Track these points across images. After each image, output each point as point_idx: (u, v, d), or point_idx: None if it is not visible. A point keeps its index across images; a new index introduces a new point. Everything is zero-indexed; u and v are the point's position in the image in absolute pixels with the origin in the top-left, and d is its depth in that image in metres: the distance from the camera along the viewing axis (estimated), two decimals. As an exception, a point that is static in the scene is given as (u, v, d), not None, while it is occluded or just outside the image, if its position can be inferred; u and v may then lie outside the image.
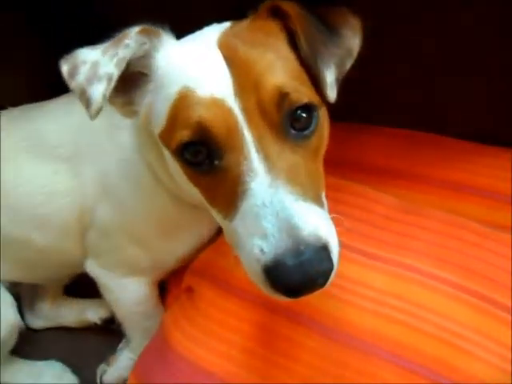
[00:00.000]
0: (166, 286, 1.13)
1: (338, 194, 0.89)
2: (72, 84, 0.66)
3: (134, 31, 0.66)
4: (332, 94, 0.67)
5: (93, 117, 0.65)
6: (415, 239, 0.84)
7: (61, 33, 1.12)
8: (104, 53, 0.65)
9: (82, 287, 1.20)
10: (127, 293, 1.05)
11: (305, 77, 0.66)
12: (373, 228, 0.84)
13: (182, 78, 0.65)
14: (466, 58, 0.91)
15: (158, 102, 0.69)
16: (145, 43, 0.68)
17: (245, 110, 0.61)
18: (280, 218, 0.57)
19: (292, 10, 0.67)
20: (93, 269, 1.04)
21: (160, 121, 0.68)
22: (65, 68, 0.66)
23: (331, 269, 0.59)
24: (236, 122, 0.61)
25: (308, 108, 0.64)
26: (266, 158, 0.60)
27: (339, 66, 0.68)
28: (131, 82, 0.70)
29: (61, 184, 0.96)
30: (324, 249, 0.57)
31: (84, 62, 0.66)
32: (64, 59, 0.67)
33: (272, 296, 0.60)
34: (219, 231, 0.96)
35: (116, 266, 1.02)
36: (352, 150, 1.05)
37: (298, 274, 0.55)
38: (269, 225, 0.57)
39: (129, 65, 0.67)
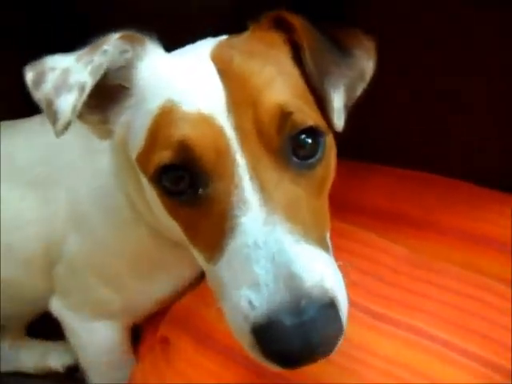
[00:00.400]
0: (140, 333, 0.99)
1: (342, 240, 0.78)
2: (37, 94, 0.56)
3: (114, 37, 0.57)
4: (339, 121, 0.58)
5: (58, 133, 0.55)
6: (427, 298, 0.73)
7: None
8: (78, 60, 0.56)
9: (47, 327, 1.06)
10: (95, 338, 0.92)
11: (310, 97, 0.58)
12: (380, 283, 0.74)
13: (167, 91, 0.56)
14: (473, 95, 0.85)
15: (136, 120, 0.59)
16: (126, 51, 0.59)
17: (239, 130, 0.52)
18: (276, 264, 0.46)
19: (298, 22, 0.59)
20: (58, 308, 0.92)
21: (138, 141, 0.58)
22: (29, 75, 0.57)
23: (339, 332, 0.48)
24: (227, 144, 0.52)
25: (313, 132, 0.55)
26: (262, 187, 0.50)
27: (349, 91, 0.60)
28: (108, 96, 0.61)
29: (28, 211, 0.85)
30: (331, 305, 0.47)
31: (52, 69, 0.56)
32: (29, 66, 0.57)
33: (262, 363, 0.48)
34: (204, 273, 0.84)
35: (84, 307, 0.90)
36: (354, 190, 0.95)
37: (298, 339, 0.44)
38: (262, 271, 0.46)
39: (106, 75, 0.58)
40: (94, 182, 0.80)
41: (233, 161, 0.51)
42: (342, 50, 0.60)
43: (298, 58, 0.59)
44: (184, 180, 0.54)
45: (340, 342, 0.48)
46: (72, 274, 0.86)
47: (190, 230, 0.58)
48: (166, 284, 0.86)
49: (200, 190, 0.53)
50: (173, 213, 0.59)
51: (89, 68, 0.55)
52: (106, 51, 0.56)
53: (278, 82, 0.55)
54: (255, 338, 0.46)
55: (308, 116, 0.54)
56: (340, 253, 0.66)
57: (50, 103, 0.55)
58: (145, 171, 0.59)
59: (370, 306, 0.70)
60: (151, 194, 0.61)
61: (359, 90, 0.61)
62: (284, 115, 0.52)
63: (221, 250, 0.51)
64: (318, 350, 0.46)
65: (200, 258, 0.58)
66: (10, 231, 0.85)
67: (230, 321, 0.50)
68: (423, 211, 0.89)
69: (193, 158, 0.52)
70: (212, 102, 0.54)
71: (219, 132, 0.52)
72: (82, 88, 0.54)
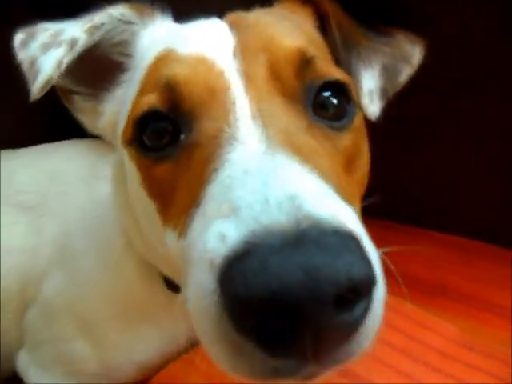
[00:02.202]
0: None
1: (394, 314, 0.64)
2: (21, 54, 0.50)
3: (123, 5, 0.52)
4: (371, 105, 0.49)
5: (35, 92, 0.48)
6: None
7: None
8: (76, 21, 0.51)
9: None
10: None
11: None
12: (425, 369, 0.57)
13: (166, 41, 0.49)
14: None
15: (131, 87, 0.52)
16: (132, 23, 0.53)
17: (245, 73, 0.43)
18: (270, 185, 0.32)
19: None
20: (25, 364, 0.78)
21: (126, 112, 0.50)
22: (19, 36, 0.51)
23: (370, 272, 0.30)
24: (225, 85, 0.43)
25: (340, 91, 0.45)
26: (265, 125, 0.39)
27: (390, 72, 0.52)
28: (103, 77, 0.55)
29: (16, 238, 0.77)
30: (350, 236, 0.31)
31: (45, 29, 0.50)
32: (21, 29, 0.52)
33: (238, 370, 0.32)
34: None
35: (54, 364, 0.75)
36: (392, 255, 0.81)
37: (296, 268, 0.27)
38: (246, 192, 0.32)
39: (106, 51, 0.53)
40: (88, 212, 0.72)
41: (230, 102, 0.42)
42: (379, 32, 0.53)
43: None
44: (167, 133, 0.44)
45: (379, 299, 0.32)
46: (46, 320, 0.73)
47: (165, 199, 0.45)
48: (153, 342, 0.71)
49: (182, 137, 0.43)
50: (149, 180, 0.47)
51: (86, 26, 0.49)
52: (110, 14, 0.50)
53: (298, 33, 0.47)
54: (221, 288, 0.30)
55: (334, 69, 0.45)
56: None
57: (33, 61, 0.49)
58: (126, 134, 0.49)
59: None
60: (135, 192, 0.51)
61: (404, 74, 0.53)
62: (305, 60, 0.45)
63: (196, 206, 0.37)
64: (337, 287, 0.27)
65: (172, 241, 0.44)
66: None
67: (191, 295, 0.34)
68: (477, 287, 0.75)
69: (179, 98, 0.43)
70: (216, 47, 0.46)
71: (217, 73, 0.44)
72: (72, 43, 0.48)
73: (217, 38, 0.47)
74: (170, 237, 0.44)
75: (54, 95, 0.56)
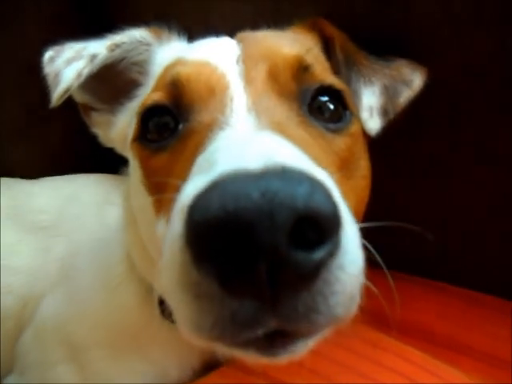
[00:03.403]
0: None
1: (396, 358, 0.60)
2: (47, 68, 0.55)
3: (142, 28, 0.58)
4: (371, 121, 0.51)
5: (55, 99, 0.53)
6: None
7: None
8: (99, 41, 0.56)
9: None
10: None
11: None
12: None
13: (177, 53, 0.54)
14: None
15: (142, 97, 0.55)
16: (150, 45, 0.58)
17: (246, 77, 0.46)
18: (247, 147, 0.33)
19: (330, 25, 0.57)
20: None
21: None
22: (48, 54, 0.56)
23: (333, 210, 0.29)
24: (224, 84, 0.46)
25: (336, 98, 0.47)
26: (259, 115, 0.40)
27: (390, 93, 0.53)
28: (120, 94, 0.59)
29: (22, 257, 0.78)
30: (316, 180, 0.30)
31: (71, 47, 0.56)
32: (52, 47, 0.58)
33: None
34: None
35: (38, 389, 0.70)
36: (405, 307, 0.76)
37: (254, 192, 0.27)
38: (225, 153, 0.33)
39: (125, 69, 0.57)
40: (96, 235, 0.74)
41: (228, 98, 0.44)
42: (380, 56, 0.56)
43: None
44: (168, 128, 0.47)
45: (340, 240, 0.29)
46: (37, 341, 0.71)
47: (160, 189, 0.45)
48: (142, 376, 0.67)
49: (180, 126, 0.45)
50: (147, 171, 0.49)
51: (108, 43, 0.54)
52: (131, 35, 0.56)
53: (298, 45, 0.50)
54: (186, 226, 0.29)
55: (330, 76, 0.48)
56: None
57: (57, 74, 0.53)
58: (133, 134, 0.51)
59: None
60: (137, 194, 0.52)
61: (404, 97, 0.54)
62: (302, 66, 0.47)
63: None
64: (295, 212, 0.26)
65: (162, 229, 0.44)
66: None
67: (163, 258, 0.33)
68: (487, 342, 0.68)
69: (181, 92, 0.46)
70: (220, 55, 0.50)
71: (219, 75, 0.47)
72: (93, 57, 0.53)
73: (222, 48, 0.52)
74: (160, 225, 0.45)
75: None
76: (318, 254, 0.28)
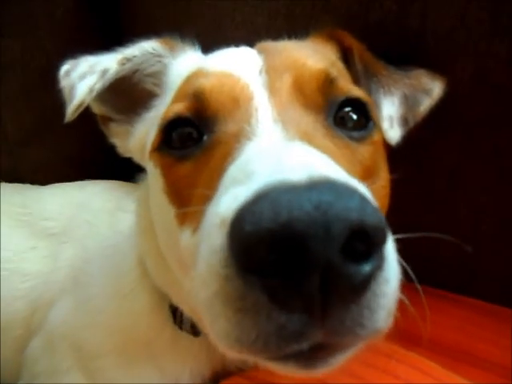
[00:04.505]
0: None
1: (409, 369, 0.59)
2: (63, 82, 0.56)
3: (154, 40, 0.58)
4: (391, 130, 0.51)
5: (69, 114, 0.53)
6: None
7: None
8: (112, 55, 0.57)
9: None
10: None
11: None
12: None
13: (196, 63, 0.54)
14: None
15: (159, 110, 0.55)
16: (163, 56, 0.58)
17: (270, 88, 0.46)
18: (283, 156, 0.33)
19: (349, 35, 0.57)
20: None
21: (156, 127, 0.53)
22: (64, 67, 0.57)
23: (381, 222, 0.29)
24: (248, 96, 0.45)
25: (360, 109, 0.47)
26: (286, 126, 0.40)
27: (410, 102, 0.53)
28: (137, 104, 0.59)
29: (30, 264, 0.78)
30: (362, 193, 0.30)
31: (86, 61, 0.56)
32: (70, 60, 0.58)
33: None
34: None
35: (47, 400, 0.69)
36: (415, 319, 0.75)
37: (307, 203, 0.27)
38: (261, 163, 0.33)
39: (140, 80, 0.57)
40: (107, 241, 0.73)
41: (253, 109, 0.44)
42: (399, 66, 0.56)
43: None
44: (191, 139, 0.46)
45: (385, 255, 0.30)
46: (46, 348, 0.70)
47: (184, 199, 0.45)
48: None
49: (205, 137, 0.45)
50: (170, 180, 0.48)
51: (119, 57, 0.54)
52: (141, 47, 0.56)
53: (321, 57, 0.51)
54: (231, 237, 0.29)
55: (356, 88, 0.48)
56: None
57: (71, 88, 0.54)
58: (153, 144, 0.51)
59: None
60: (157, 203, 0.52)
61: (424, 105, 0.54)
62: (329, 79, 0.48)
63: (213, 197, 0.37)
64: (343, 226, 0.26)
65: (186, 238, 0.44)
66: (4, 281, 0.75)
67: (199, 270, 0.33)
68: (495, 352, 0.67)
69: (205, 105, 0.46)
70: (243, 66, 0.49)
71: (242, 86, 0.47)
72: (104, 72, 0.53)
73: (244, 59, 0.51)
74: (185, 235, 0.44)
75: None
76: (368, 267, 0.28)
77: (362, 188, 0.32)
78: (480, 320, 0.74)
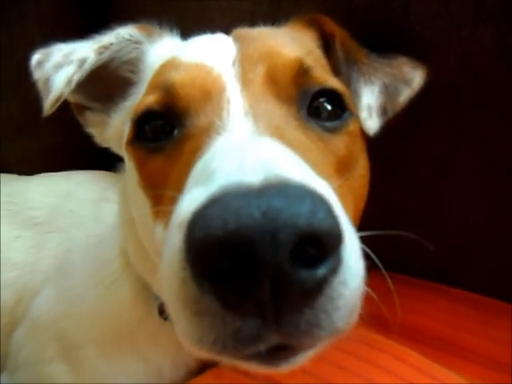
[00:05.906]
0: None
1: (394, 360, 0.60)
2: (37, 74, 0.54)
3: (132, 26, 0.56)
4: (370, 120, 0.50)
5: (47, 108, 0.51)
6: None
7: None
8: (87, 42, 0.55)
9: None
10: None
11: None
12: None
13: (171, 52, 0.52)
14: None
15: (135, 99, 0.54)
16: (140, 42, 0.57)
17: (243, 79, 0.45)
18: (246, 155, 0.32)
19: (330, 21, 0.55)
20: None
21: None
22: (36, 57, 0.55)
23: (334, 227, 0.28)
24: (220, 87, 0.44)
25: (334, 99, 0.46)
26: (257, 119, 0.40)
27: (390, 92, 0.52)
28: (113, 93, 0.58)
29: (18, 253, 0.77)
30: (317, 194, 0.29)
31: (59, 50, 0.55)
32: (39, 50, 0.56)
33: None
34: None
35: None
36: (411, 312, 0.75)
37: (255, 210, 0.27)
38: (223, 162, 0.33)
39: (117, 68, 0.56)
40: (91, 231, 0.73)
41: (224, 101, 0.43)
42: (381, 54, 0.55)
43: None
44: (163, 132, 0.46)
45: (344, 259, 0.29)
46: (30, 339, 0.70)
47: (157, 193, 0.45)
48: (136, 375, 0.65)
49: (175, 131, 0.44)
50: (144, 173, 0.48)
51: (95, 46, 0.53)
52: (118, 34, 0.54)
53: (297, 46, 0.49)
54: (186, 242, 0.29)
55: (331, 78, 0.47)
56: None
57: (46, 80, 0.52)
58: (128, 136, 0.50)
59: None
60: (134, 195, 0.52)
61: (404, 96, 0.53)
62: (302, 69, 0.47)
63: (182, 193, 0.36)
64: (294, 229, 0.26)
65: (159, 233, 0.44)
66: None
67: (162, 270, 0.32)
68: (489, 346, 0.67)
69: (175, 99, 0.45)
70: (216, 56, 0.48)
71: (214, 77, 0.46)
72: (82, 62, 0.51)
73: (218, 48, 0.50)
74: (158, 229, 0.44)
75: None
76: (321, 271, 0.27)
77: (321, 188, 0.31)
78: (467, 311, 0.74)
